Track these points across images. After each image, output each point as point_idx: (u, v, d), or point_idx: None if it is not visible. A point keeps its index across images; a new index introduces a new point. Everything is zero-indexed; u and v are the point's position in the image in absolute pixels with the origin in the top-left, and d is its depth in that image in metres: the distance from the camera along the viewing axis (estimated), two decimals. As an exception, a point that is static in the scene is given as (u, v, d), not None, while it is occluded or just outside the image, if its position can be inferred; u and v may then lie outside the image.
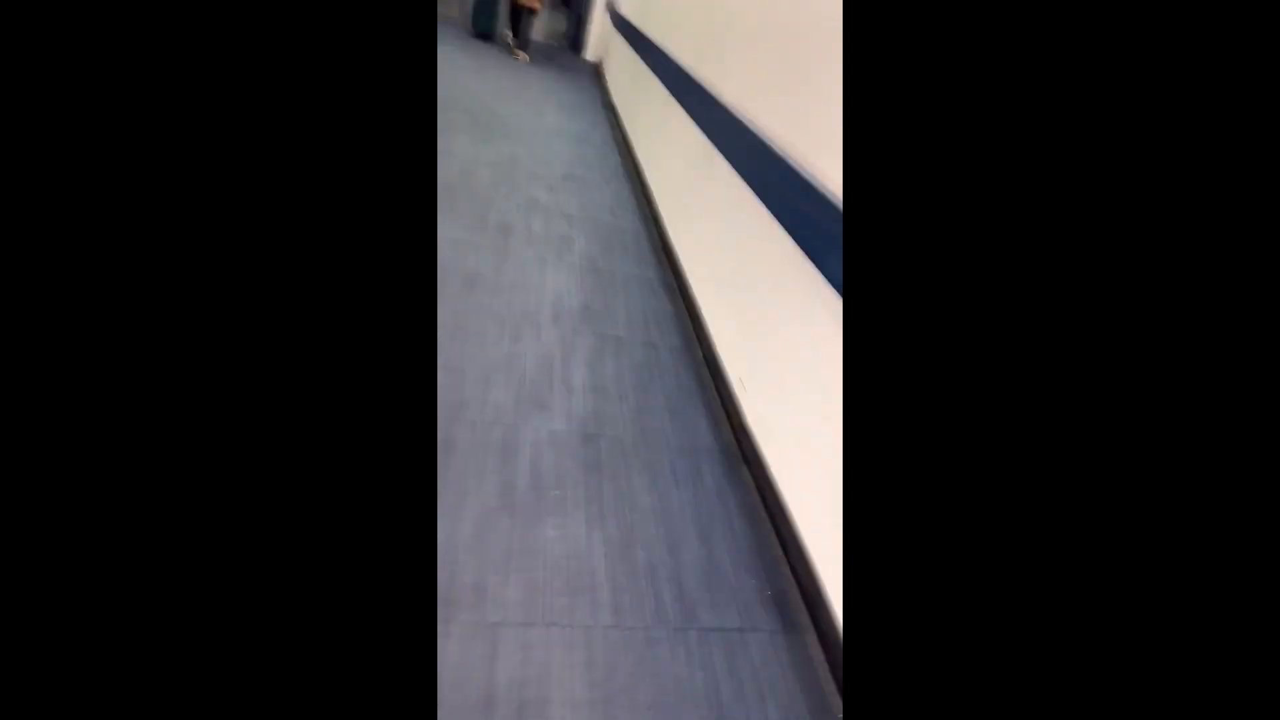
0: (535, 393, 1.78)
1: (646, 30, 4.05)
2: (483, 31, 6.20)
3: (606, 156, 3.99)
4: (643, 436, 1.75)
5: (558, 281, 2.41)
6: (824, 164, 1.45)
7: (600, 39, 6.51)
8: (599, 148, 4.10)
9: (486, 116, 3.97)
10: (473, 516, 1.36)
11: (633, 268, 2.74)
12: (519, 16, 5.97)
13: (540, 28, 7.57)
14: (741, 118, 1.98)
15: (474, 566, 1.26)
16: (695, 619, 1.30)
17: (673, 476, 1.65)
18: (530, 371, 1.86)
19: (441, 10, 6.65)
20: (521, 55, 6.04)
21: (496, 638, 1.15)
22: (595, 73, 6.34)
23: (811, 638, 1.34)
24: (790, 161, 1.58)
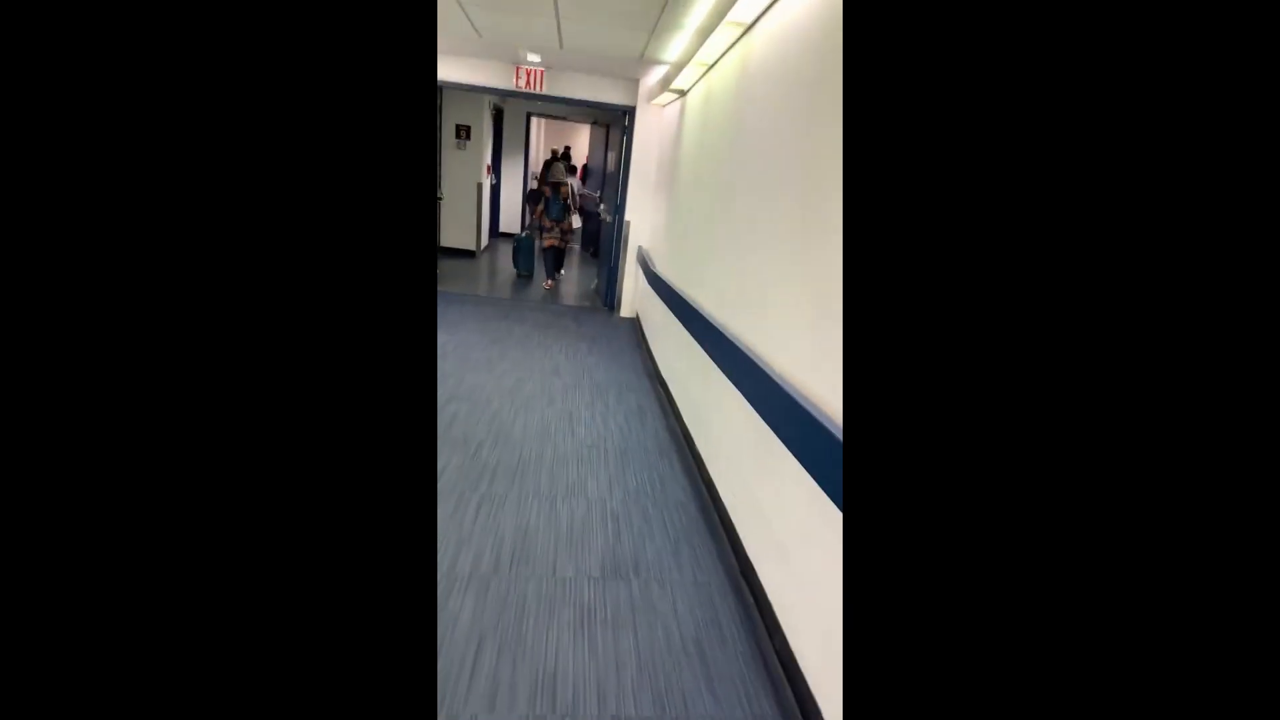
0: None
1: (688, 292, 3.00)
2: (523, 274, 7.18)
3: (669, 482, 2.67)
4: None
5: None
6: None
7: (636, 292, 5.73)
8: (654, 461, 2.82)
9: (492, 442, 2.79)
10: None
11: None
12: (558, 256, 6.83)
13: (569, 288, 6.98)
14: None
15: None
16: None
17: None
18: None
19: (456, 284, 6.08)
20: (548, 284, 6.88)
21: None
22: (634, 332, 5.41)
23: None
24: None
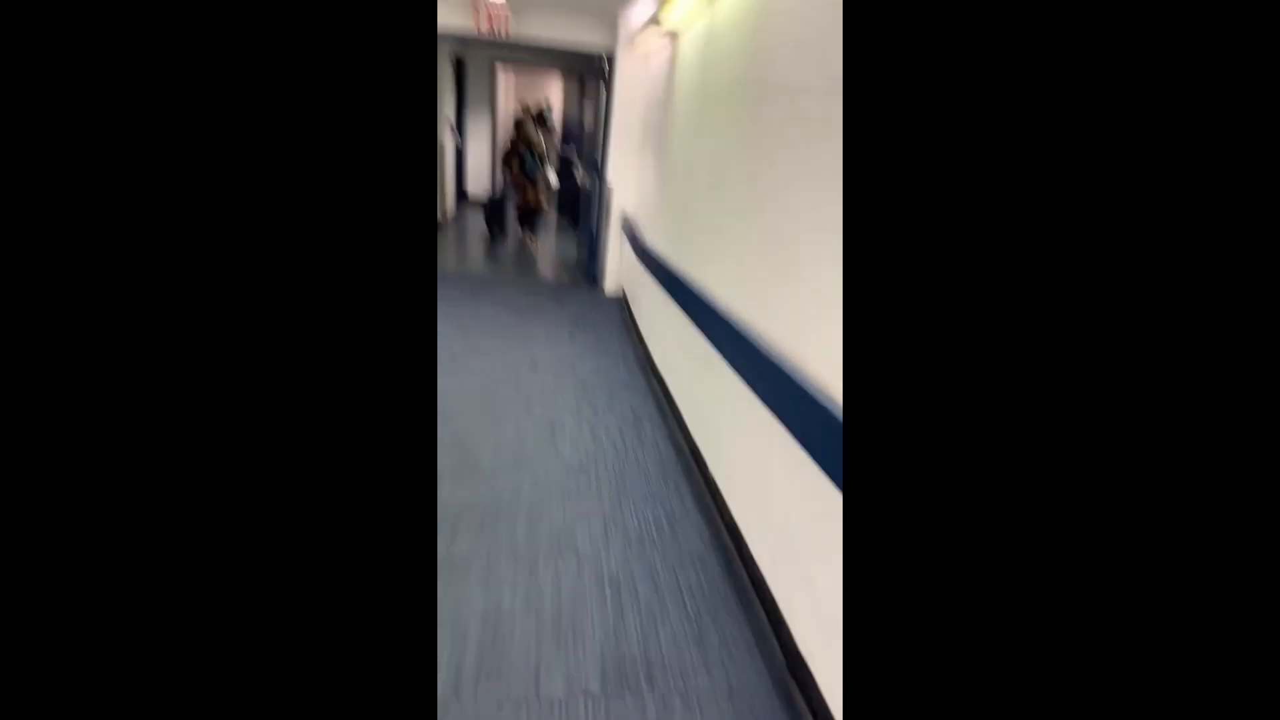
0: None
1: (691, 273, 2.41)
2: (497, 236, 6.86)
3: (680, 523, 2.12)
4: None
5: None
6: None
7: (621, 268, 5.11)
8: (658, 490, 2.27)
9: (454, 473, 2.21)
10: None
11: None
12: (531, 216, 6.61)
13: (546, 258, 6.31)
14: None
15: None
16: None
17: None
18: None
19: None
20: (534, 243, 6.74)
21: None
22: (621, 312, 4.81)
23: None
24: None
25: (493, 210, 6.85)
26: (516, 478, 2.33)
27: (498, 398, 3.03)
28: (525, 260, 6.27)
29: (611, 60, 4.78)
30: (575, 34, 4.74)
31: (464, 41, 4.84)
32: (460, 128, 8.15)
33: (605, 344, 4.01)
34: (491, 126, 9.04)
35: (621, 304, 4.93)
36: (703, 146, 2.71)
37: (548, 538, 2.00)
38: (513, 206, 6.70)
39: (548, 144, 6.84)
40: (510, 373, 3.36)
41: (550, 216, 8.43)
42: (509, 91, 10.27)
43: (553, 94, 10.22)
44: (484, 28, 4.66)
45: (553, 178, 7.02)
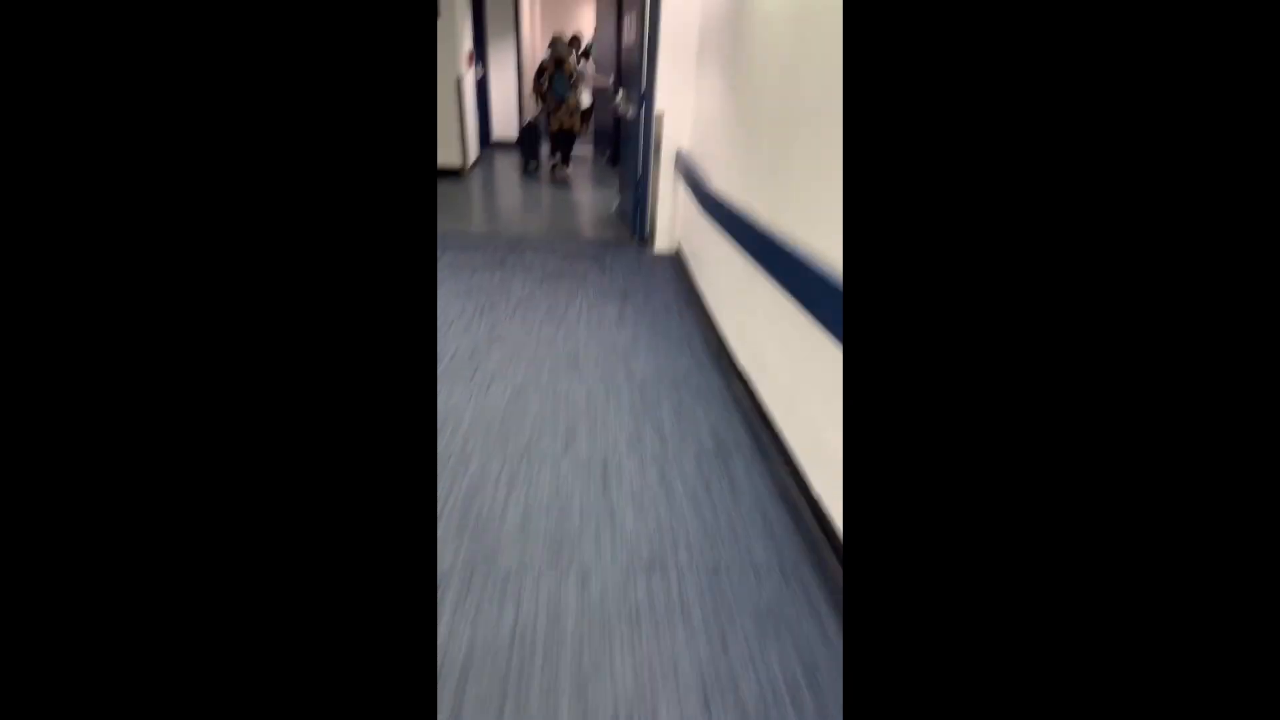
0: None
1: (789, 228, 1.47)
2: (530, 168, 6.72)
3: (829, 681, 1.27)
4: None
5: None
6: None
7: (676, 219, 4.13)
8: (782, 605, 1.39)
9: (462, 574, 1.36)
10: None
11: None
12: (563, 141, 6.42)
13: (585, 212, 5.35)
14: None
15: None
16: None
17: None
18: None
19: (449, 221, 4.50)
20: (565, 171, 6.58)
21: None
22: (679, 277, 3.86)
23: None
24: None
25: (526, 137, 6.69)
26: (556, 581, 1.51)
27: (527, 419, 2.18)
28: (560, 210, 5.33)
29: (658, -52, 3.67)
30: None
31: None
32: (481, 57, 7.10)
33: (663, 324, 3.10)
34: (517, 61, 7.94)
35: (678, 265, 3.98)
36: (802, 51, 1.70)
37: (605, 715, 1.18)
38: (544, 128, 6.53)
39: (585, 73, 6.70)
40: (545, 375, 2.51)
41: (587, 151, 7.46)
42: (535, 20, 9.07)
43: (584, 25, 8.97)
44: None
45: (585, 98, 6.74)
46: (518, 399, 2.32)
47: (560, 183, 6.34)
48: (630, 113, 4.37)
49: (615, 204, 5.32)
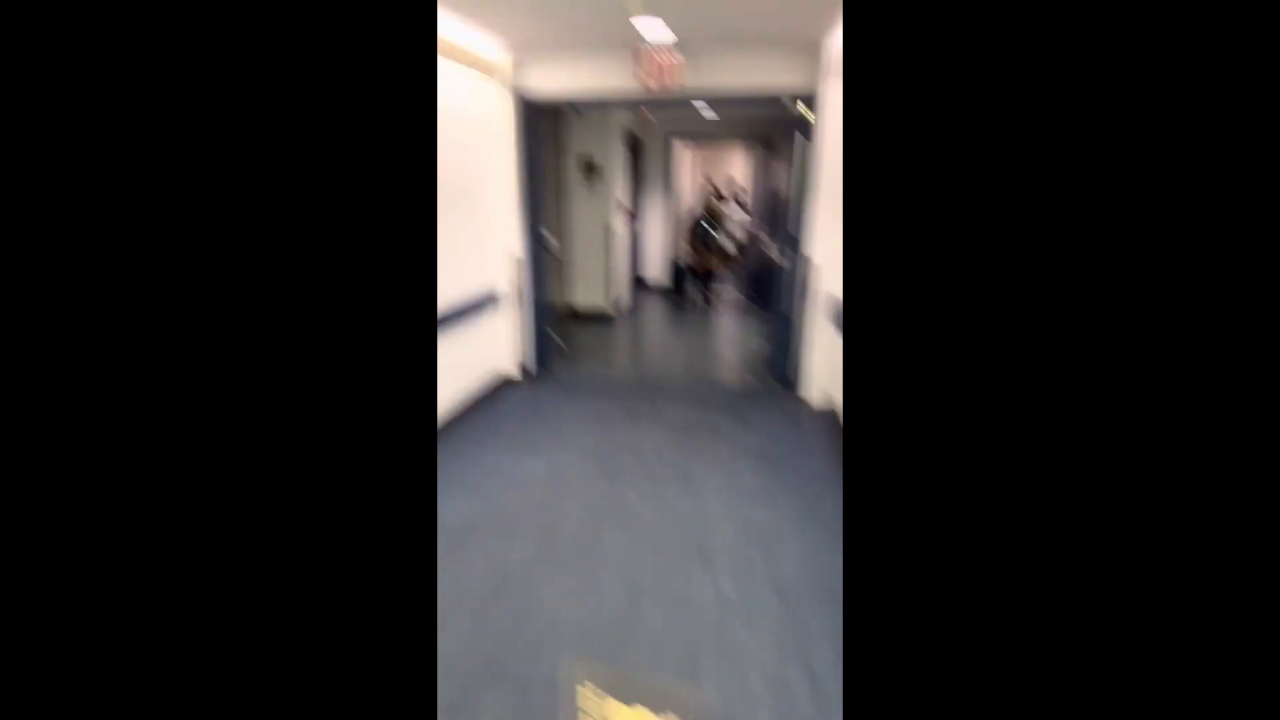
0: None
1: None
2: (683, 304, 7.11)
3: None
4: None
5: None
6: None
7: (833, 366, 3.69)
8: None
9: None
10: None
11: None
12: (706, 279, 6.95)
13: (726, 354, 5.08)
14: None
15: None
16: None
17: None
18: None
19: (581, 361, 4.41)
20: (707, 298, 6.98)
21: None
22: (834, 437, 3.35)
23: None
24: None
25: (677, 279, 7.33)
26: None
27: (641, 650, 1.74)
28: (699, 353, 5.11)
29: (811, 102, 3.58)
30: (764, 76, 3.65)
31: (633, 107, 4.00)
32: (635, 209, 7.48)
33: (816, 502, 2.58)
34: (670, 207, 8.31)
35: (833, 423, 3.48)
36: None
37: None
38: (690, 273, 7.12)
39: (737, 221, 7.32)
40: (667, 577, 2.08)
41: (731, 295, 7.38)
42: (689, 168, 9.60)
43: (734, 170, 9.35)
44: (651, 84, 3.77)
45: (732, 243, 7.19)
46: (633, 611, 1.90)
47: (703, 319, 6.50)
48: (783, 261, 4.15)
49: (753, 347, 5.00)
